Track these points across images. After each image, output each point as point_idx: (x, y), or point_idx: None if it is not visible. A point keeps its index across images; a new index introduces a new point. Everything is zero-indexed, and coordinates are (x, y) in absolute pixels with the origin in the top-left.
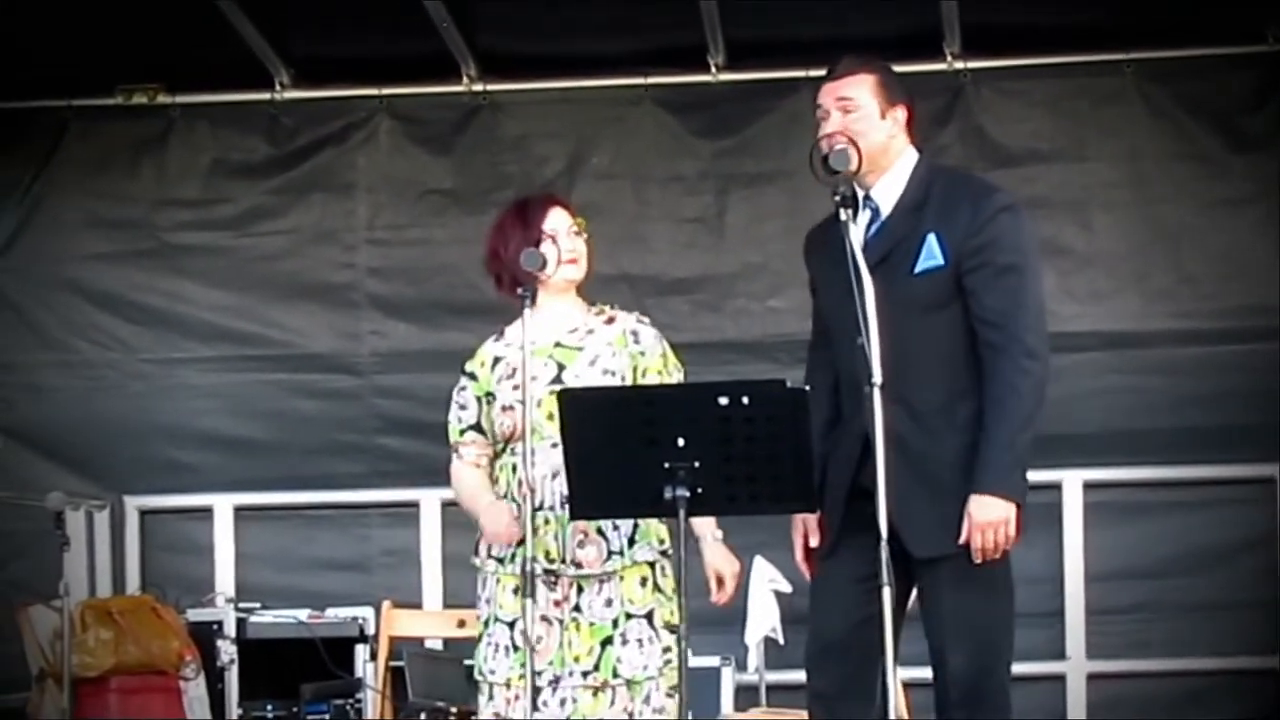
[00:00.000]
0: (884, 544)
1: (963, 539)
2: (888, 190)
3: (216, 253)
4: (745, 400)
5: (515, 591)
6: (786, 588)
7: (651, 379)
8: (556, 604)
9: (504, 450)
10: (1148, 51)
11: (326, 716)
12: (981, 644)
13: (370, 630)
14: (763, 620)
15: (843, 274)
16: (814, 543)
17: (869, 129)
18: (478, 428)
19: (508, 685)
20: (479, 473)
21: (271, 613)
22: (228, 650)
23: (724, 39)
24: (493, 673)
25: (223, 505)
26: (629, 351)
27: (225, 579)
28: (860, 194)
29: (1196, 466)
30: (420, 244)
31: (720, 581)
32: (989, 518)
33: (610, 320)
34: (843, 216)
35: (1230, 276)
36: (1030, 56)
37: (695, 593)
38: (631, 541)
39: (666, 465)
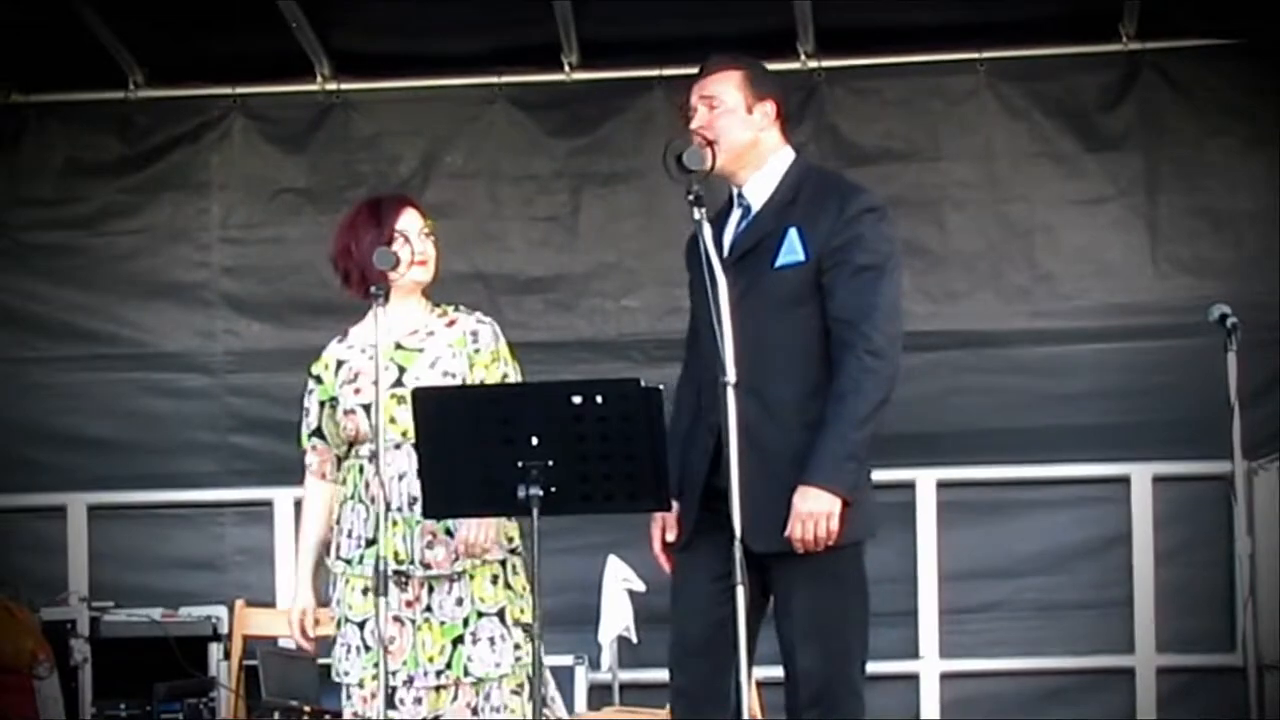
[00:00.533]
0: (738, 543)
1: (787, 531)
2: (759, 188)
3: (69, 251)
4: (599, 399)
5: (364, 592)
6: (640, 586)
7: (478, 374)
8: (408, 604)
9: (349, 453)
10: (1001, 50)
11: (180, 715)
12: (832, 644)
13: (223, 629)
14: (616, 619)
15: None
16: (670, 537)
17: (731, 125)
18: (319, 433)
19: (361, 685)
20: (319, 507)
21: (125, 611)
22: (81, 649)
23: (577, 38)
24: (346, 674)
25: (76, 504)
26: (467, 352)
27: (79, 578)
28: (734, 191)
29: (1051, 465)
30: (274, 243)
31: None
32: (811, 508)
33: (451, 322)
34: (696, 215)
35: (1086, 276)
36: (883, 55)
37: (550, 591)
38: None
39: (520, 464)
